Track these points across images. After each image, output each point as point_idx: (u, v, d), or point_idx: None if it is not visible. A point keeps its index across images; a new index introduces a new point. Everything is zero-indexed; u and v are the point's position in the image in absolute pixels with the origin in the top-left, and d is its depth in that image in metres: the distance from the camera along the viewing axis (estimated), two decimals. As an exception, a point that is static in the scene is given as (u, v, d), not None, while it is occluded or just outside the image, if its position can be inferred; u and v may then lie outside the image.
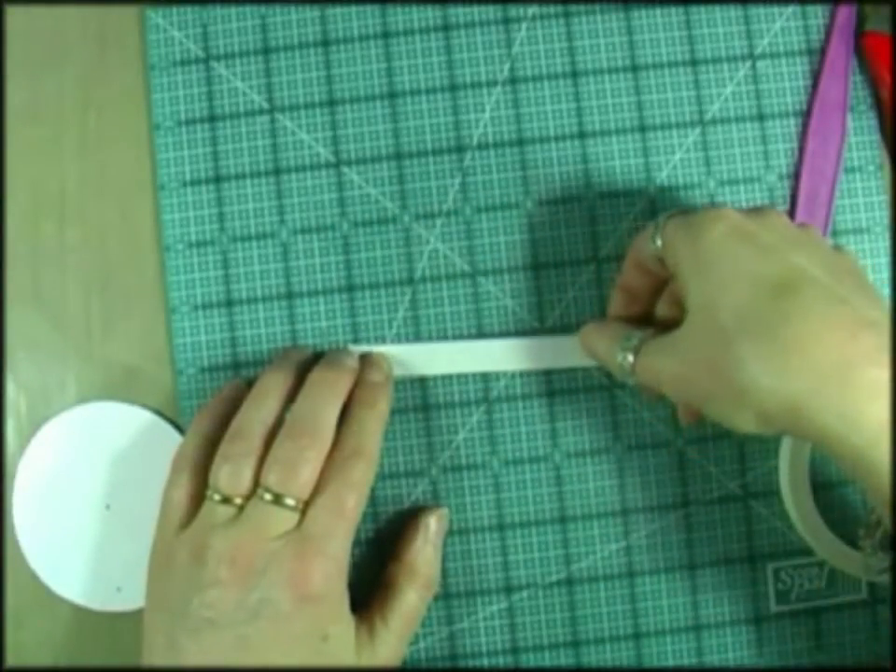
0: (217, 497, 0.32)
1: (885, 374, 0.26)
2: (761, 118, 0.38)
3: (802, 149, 0.38)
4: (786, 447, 0.37)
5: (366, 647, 0.33)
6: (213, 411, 0.35)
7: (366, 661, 0.33)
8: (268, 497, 0.31)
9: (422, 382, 0.38)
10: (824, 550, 0.37)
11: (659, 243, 0.32)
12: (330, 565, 0.31)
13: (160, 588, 0.33)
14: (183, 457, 0.34)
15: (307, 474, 0.32)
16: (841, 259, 0.30)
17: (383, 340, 0.38)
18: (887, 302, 0.29)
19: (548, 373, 0.38)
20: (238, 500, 0.32)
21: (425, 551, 0.36)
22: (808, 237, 0.30)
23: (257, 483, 0.32)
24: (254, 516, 0.31)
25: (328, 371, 0.34)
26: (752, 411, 0.27)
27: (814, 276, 0.28)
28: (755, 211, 0.30)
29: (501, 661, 0.38)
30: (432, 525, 0.36)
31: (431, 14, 0.39)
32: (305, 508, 0.32)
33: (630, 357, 0.32)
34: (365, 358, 0.37)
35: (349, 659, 0.32)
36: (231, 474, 0.32)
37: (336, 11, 0.39)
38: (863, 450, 0.26)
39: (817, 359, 0.26)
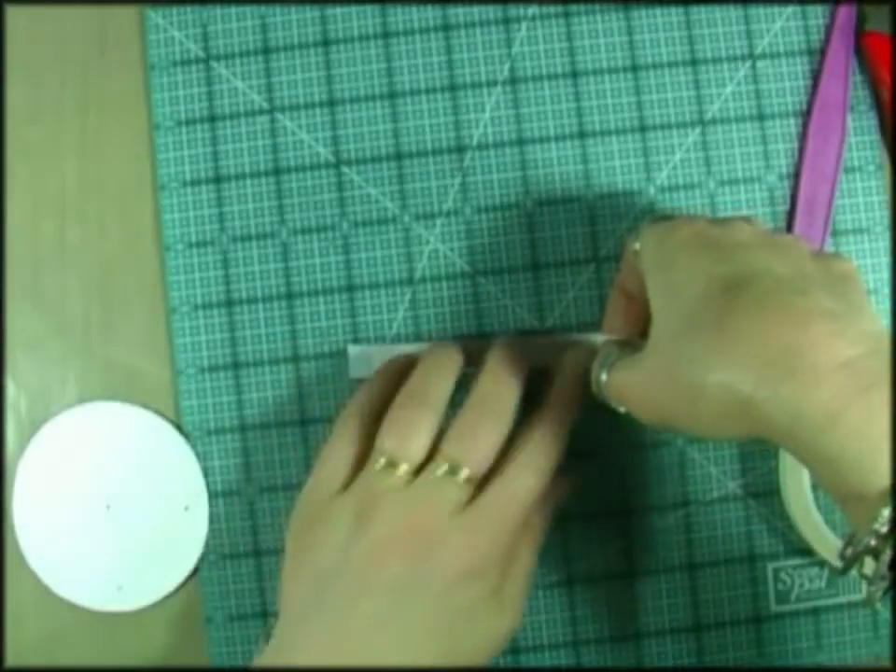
0: (382, 460, 0.31)
1: (832, 359, 0.23)
2: (761, 118, 0.38)
3: (802, 149, 0.38)
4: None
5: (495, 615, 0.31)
6: (379, 381, 0.34)
7: (496, 631, 0.31)
8: (444, 467, 0.30)
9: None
10: (824, 550, 0.37)
11: (637, 246, 0.31)
12: (496, 549, 0.30)
13: (307, 549, 0.31)
14: (349, 417, 0.33)
15: (488, 449, 0.30)
16: (824, 264, 0.28)
17: (383, 340, 0.38)
18: (873, 307, 0.28)
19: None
20: (405, 467, 0.30)
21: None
22: (781, 242, 0.28)
23: (431, 451, 0.31)
24: (428, 486, 0.30)
25: (512, 350, 0.33)
26: (710, 413, 0.26)
27: (771, 272, 0.26)
28: (727, 218, 0.30)
29: (501, 661, 0.38)
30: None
31: (431, 14, 0.39)
32: (480, 485, 0.31)
33: (604, 375, 0.30)
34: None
35: (488, 647, 0.31)
36: (405, 438, 0.31)
37: (336, 11, 0.39)
38: (811, 441, 0.24)
39: (761, 349, 0.24)
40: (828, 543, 0.37)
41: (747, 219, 0.29)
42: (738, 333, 0.25)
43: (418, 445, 0.31)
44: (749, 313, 0.25)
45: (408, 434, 0.31)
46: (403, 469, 0.31)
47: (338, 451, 0.32)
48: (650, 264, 0.29)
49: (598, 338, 0.35)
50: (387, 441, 0.31)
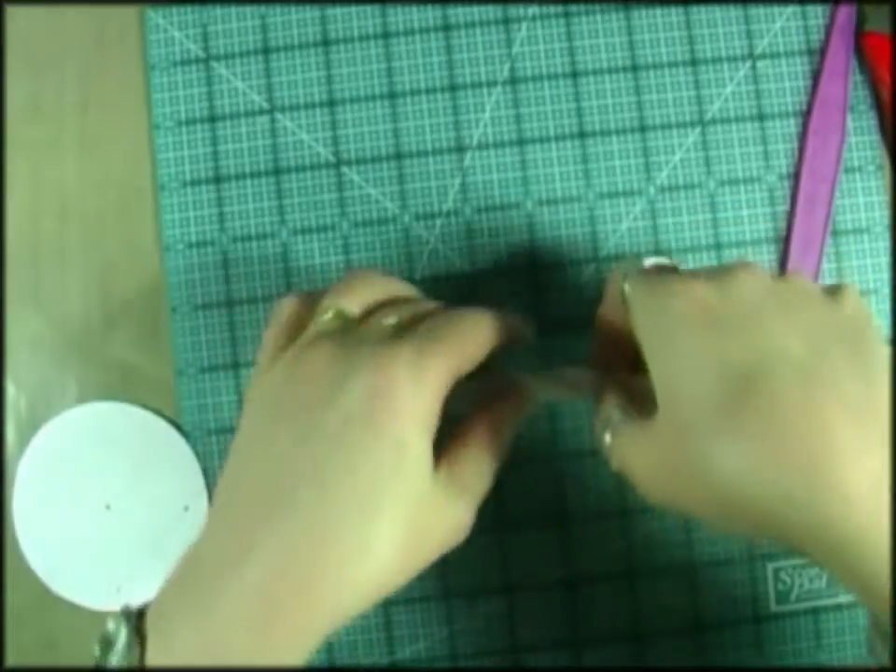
0: (329, 314, 0.28)
1: (862, 474, 0.22)
2: (761, 118, 0.38)
3: (802, 149, 0.38)
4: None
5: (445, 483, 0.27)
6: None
7: (443, 485, 0.27)
8: (386, 321, 0.28)
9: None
10: None
11: (627, 289, 0.28)
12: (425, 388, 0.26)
13: (276, 406, 0.28)
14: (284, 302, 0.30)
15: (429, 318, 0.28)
16: (831, 316, 0.26)
17: (383, 340, 0.38)
18: (884, 361, 0.25)
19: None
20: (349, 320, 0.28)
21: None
22: (789, 297, 0.26)
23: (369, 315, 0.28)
24: (369, 327, 0.28)
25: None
26: (720, 504, 0.24)
27: (788, 355, 0.24)
28: (723, 274, 0.26)
29: (501, 661, 0.38)
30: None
31: (431, 14, 0.39)
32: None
33: (608, 437, 0.28)
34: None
35: (424, 477, 0.26)
36: (349, 297, 0.28)
37: (336, 11, 0.39)
38: (834, 548, 0.23)
39: (784, 454, 0.23)
40: None
41: (747, 268, 0.27)
42: (757, 432, 0.23)
43: (362, 303, 0.29)
44: (769, 412, 0.23)
45: (356, 293, 0.29)
46: (332, 314, 0.28)
47: (282, 314, 0.30)
48: (645, 332, 0.27)
49: (582, 374, 0.32)
50: (335, 297, 0.29)
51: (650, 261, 0.30)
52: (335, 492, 0.25)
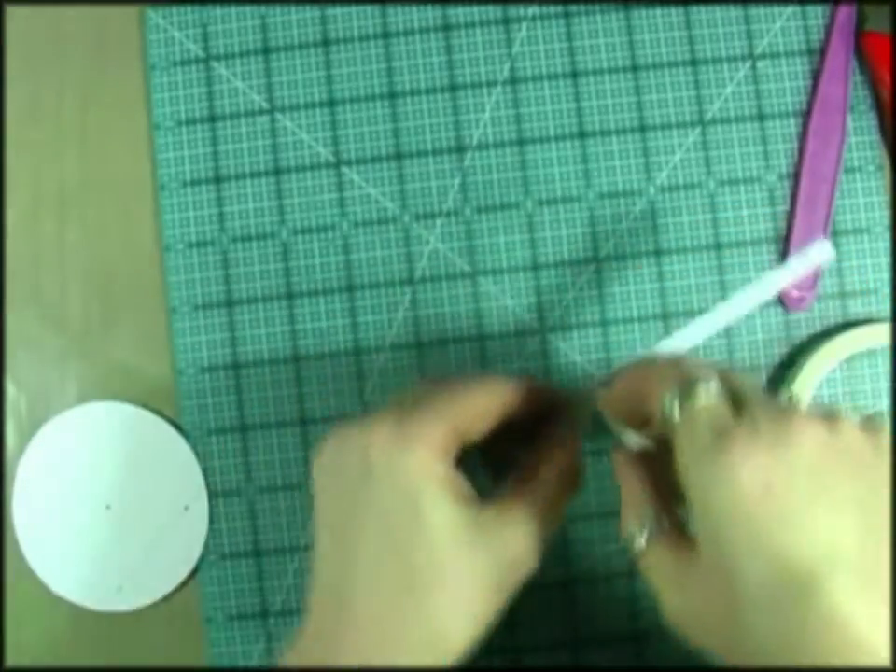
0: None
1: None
2: (761, 118, 0.38)
3: (802, 149, 0.38)
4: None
5: (489, 526, 0.28)
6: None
7: (487, 539, 0.28)
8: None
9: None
10: None
11: (676, 415, 0.27)
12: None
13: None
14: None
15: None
16: (880, 480, 0.26)
17: (383, 340, 0.38)
18: None
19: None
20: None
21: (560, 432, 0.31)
22: (841, 467, 0.25)
23: None
24: None
25: None
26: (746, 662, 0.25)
27: (841, 557, 0.24)
28: (783, 436, 0.25)
29: (501, 661, 0.38)
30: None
31: (431, 14, 0.39)
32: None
33: (640, 542, 0.28)
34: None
35: (449, 534, 0.28)
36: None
37: (336, 11, 0.39)
38: None
39: (823, 656, 0.24)
40: None
41: (805, 425, 0.25)
42: (815, 634, 0.24)
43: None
44: (829, 619, 0.24)
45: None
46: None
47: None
48: (698, 497, 0.26)
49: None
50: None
51: (665, 345, 0.30)
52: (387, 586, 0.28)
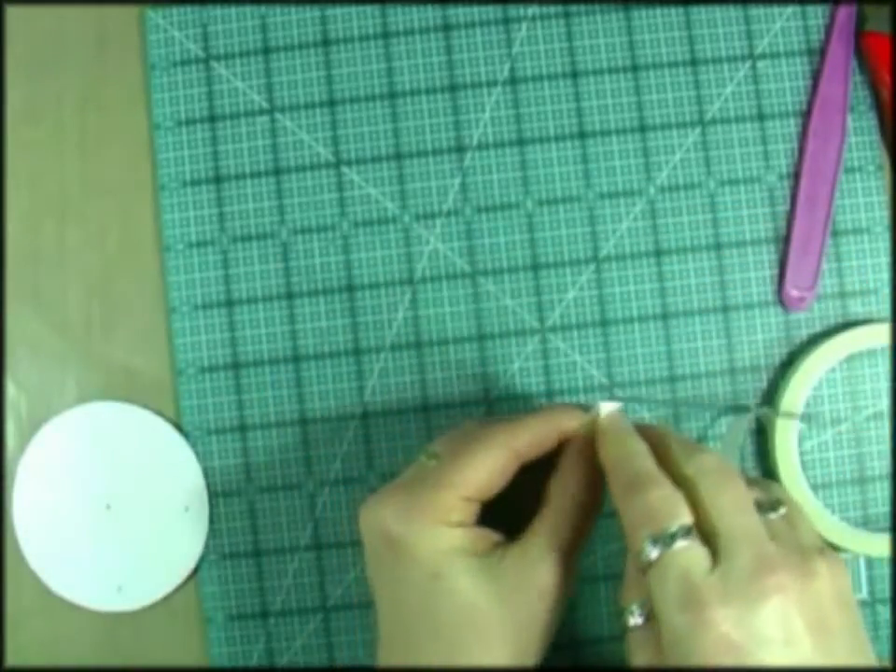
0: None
1: None
2: (761, 118, 0.38)
3: (802, 149, 0.38)
4: (780, 436, 0.37)
5: (513, 569, 0.30)
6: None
7: (513, 582, 0.30)
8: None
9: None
10: (825, 530, 0.36)
11: (652, 558, 0.28)
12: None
13: None
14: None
15: None
16: (835, 657, 0.26)
17: (383, 340, 0.38)
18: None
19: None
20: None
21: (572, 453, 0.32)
22: (815, 638, 0.26)
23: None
24: None
25: None
26: None
27: None
28: (750, 602, 0.26)
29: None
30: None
31: (431, 14, 0.39)
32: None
33: (636, 619, 0.29)
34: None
35: (474, 591, 0.30)
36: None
37: (336, 11, 0.39)
38: None
39: None
40: (827, 523, 0.37)
41: (774, 592, 0.26)
42: None
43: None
44: None
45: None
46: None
47: None
48: (668, 638, 0.27)
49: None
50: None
51: (606, 407, 0.31)
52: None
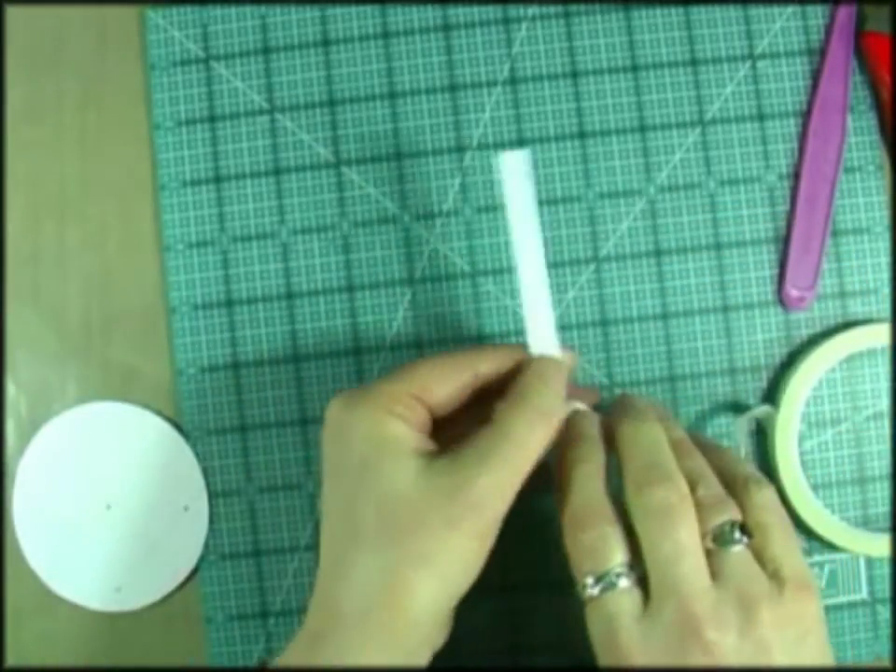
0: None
1: None
2: (761, 118, 0.38)
3: (802, 149, 0.38)
4: (780, 436, 0.37)
5: (445, 472, 0.28)
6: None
7: (443, 484, 0.28)
8: None
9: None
10: (823, 530, 0.36)
11: (593, 594, 0.28)
12: None
13: None
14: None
15: None
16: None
17: (383, 340, 0.38)
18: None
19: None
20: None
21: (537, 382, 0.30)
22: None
23: None
24: None
25: None
26: None
27: None
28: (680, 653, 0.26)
29: (501, 661, 0.38)
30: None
31: (431, 14, 0.39)
32: None
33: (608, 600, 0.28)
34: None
35: (401, 484, 0.28)
36: None
37: (336, 11, 0.39)
38: None
39: None
40: (827, 523, 0.37)
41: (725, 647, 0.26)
42: None
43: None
44: None
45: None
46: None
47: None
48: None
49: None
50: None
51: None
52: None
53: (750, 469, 0.30)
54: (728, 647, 0.26)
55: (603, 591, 0.27)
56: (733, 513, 0.28)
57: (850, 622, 0.38)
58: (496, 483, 0.28)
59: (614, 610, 0.27)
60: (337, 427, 0.30)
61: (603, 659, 0.27)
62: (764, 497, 0.29)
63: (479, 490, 0.28)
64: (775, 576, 0.27)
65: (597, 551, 0.28)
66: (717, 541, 0.27)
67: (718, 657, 0.26)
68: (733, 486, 0.29)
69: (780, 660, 0.26)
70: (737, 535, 0.27)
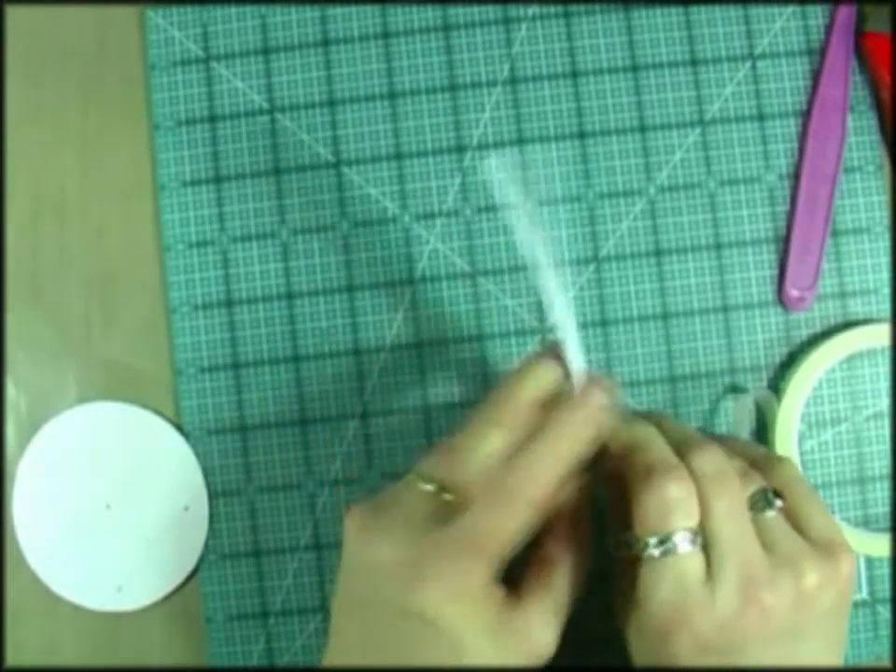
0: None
1: None
2: (761, 118, 0.38)
3: (802, 149, 0.38)
4: (780, 436, 0.37)
5: (518, 634, 0.29)
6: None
7: (515, 646, 0.29)
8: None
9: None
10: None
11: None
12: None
13: None
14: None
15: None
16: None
17: (383, 340, 0.38)
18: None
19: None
20: None
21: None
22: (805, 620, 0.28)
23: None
24: None
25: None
26: None
27: None
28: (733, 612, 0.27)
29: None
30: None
31: (431, 14, 0.39)
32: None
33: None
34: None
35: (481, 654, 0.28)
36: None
37: (336, 11, 0.39)
38: None
39: None
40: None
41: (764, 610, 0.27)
42: None
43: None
44: None
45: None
46: None
47: None
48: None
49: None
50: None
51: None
52: None
53: (767, 449, 0.31)
54: (782, 610, 0.27)
55: (669, 551, 0.27)
56: (762, 482, 0.29)
57: (850, 622, 0.38)
58: (559, 633, 0.30)
59: (684, 572, 0.27)
60: (404, 607, 0.27)
61: (655, 619, 0.28)
62: (789, 468, 0.30)
63: (544, 642, 0.30)
64: (812, 539, 0.28)
65: (672, 510, 0.27)
66: (753, 508, 0.28)
67: (773, 620, 0.27)
68: (755, 466, 0.30)
69: (816, 628, 0.27)
70: (771, 497, 0.28)
